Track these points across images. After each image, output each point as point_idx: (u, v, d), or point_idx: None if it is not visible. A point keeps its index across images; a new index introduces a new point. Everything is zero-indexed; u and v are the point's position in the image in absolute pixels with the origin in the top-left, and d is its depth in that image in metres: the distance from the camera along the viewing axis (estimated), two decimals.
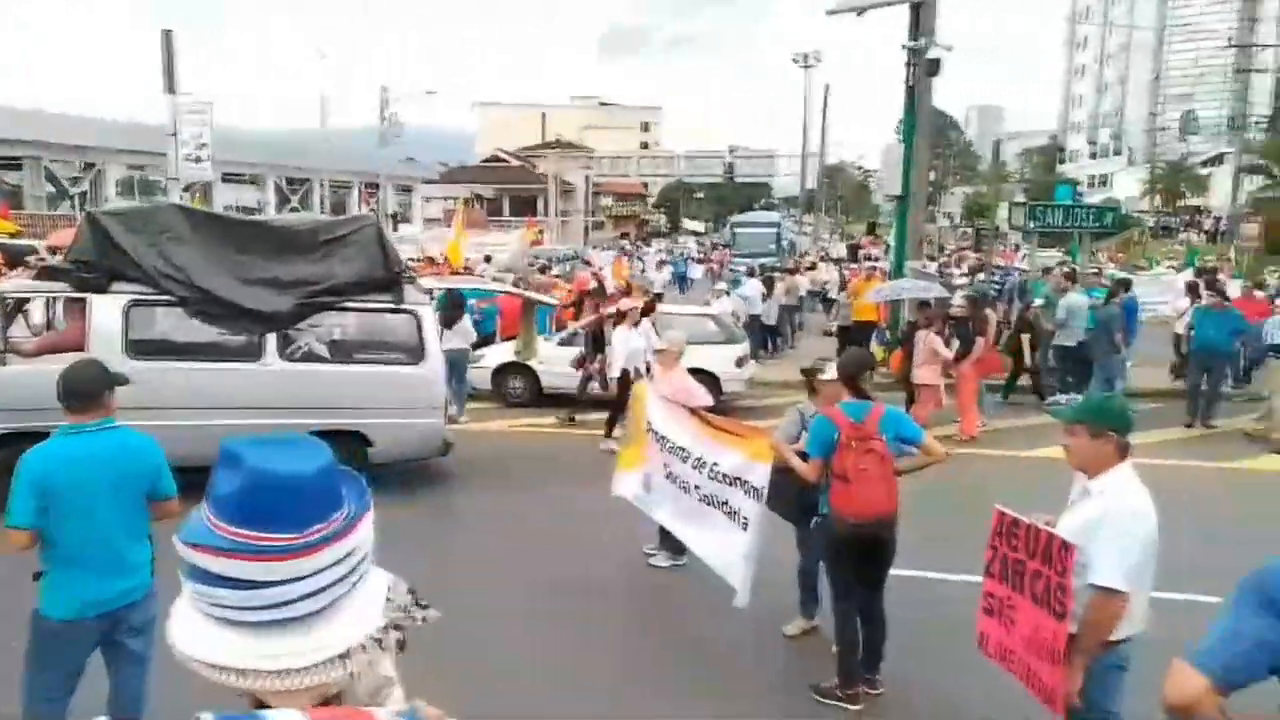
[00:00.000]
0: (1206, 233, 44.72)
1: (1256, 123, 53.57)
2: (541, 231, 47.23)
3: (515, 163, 65.55)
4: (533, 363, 12.56)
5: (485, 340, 14.63)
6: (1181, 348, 13.97)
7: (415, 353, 8.34)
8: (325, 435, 7.96)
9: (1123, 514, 3.19)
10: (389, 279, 8.21)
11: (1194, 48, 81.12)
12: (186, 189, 27.51)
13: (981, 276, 19.53)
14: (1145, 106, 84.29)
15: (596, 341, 11.90)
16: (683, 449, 5.83)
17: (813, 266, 27.26)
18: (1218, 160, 56.70)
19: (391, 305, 8.30)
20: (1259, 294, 17.19)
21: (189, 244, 8.01)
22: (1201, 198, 57.56)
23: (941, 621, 5.69)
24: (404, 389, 8.28)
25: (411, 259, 20.29)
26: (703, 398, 6.95)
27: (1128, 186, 69.55)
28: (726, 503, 5.38)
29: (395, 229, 35.72)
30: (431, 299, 9.35)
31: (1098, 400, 3.51)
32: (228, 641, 1.30)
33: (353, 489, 1.45)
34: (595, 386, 11.80)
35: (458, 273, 19.10)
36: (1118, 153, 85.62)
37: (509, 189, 62.53)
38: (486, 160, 67.97)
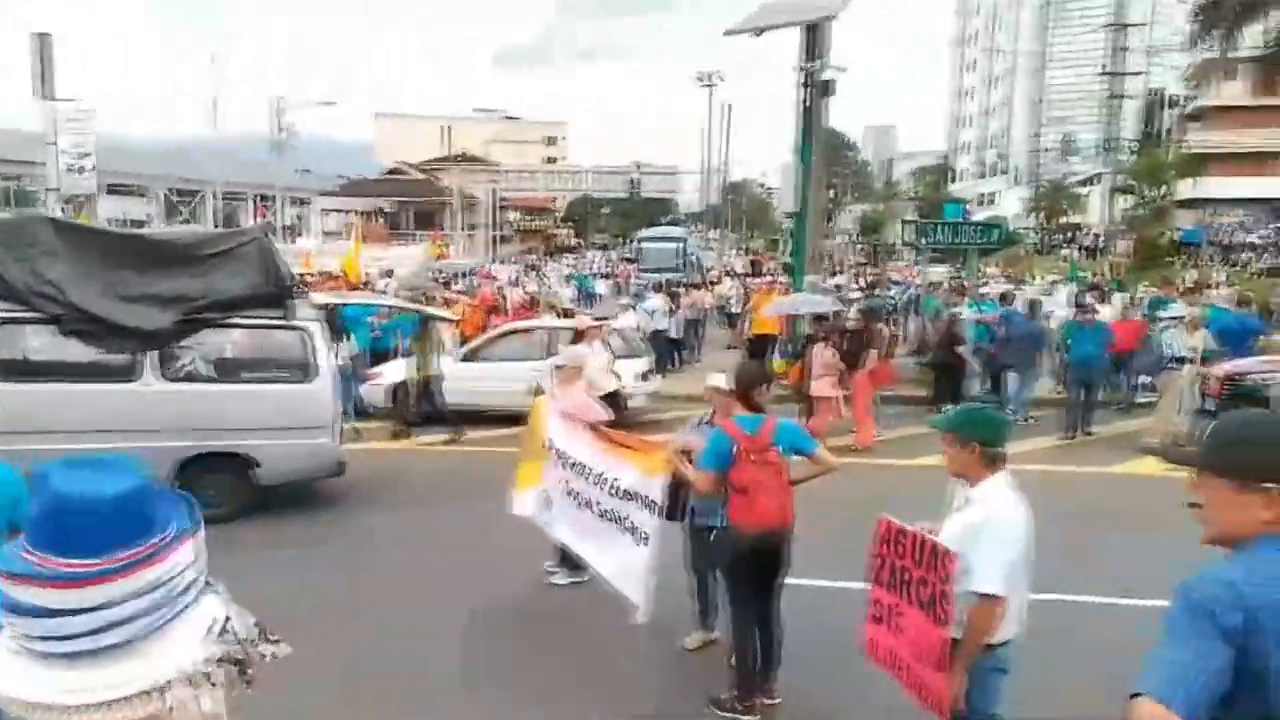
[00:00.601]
0: (1085, 249, 47.21)
1: (1127, 145, 57.03)
2: (446, 245, 46.65)
3: (418, 175, 64.59)
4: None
5: (384, 356, 14.31)
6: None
7: (304, 370, 8.08)
8: (210, 457, 7.76)
9: (998, 522, 3.29)
10: (277, 294, 7.94)
11: (1072, 74, 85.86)
12: (68, 201, 26.10)
13: (879, 291, 20.21)
14: (1028, 128, 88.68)
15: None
16: (582, 465, 5.79)
17: (716, 281, 27.70)
18: (1094, 180, 60.06)
19: (280, 321, 8.02)
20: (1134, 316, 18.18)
21: (62, 258, 7.61)
22: (1080, 215, 60.84)
23: (838, 629, 5.78)
24: (292, 407, 8.01)
25: (307, 274, 19.79)
26: (600, 414, 6.92)
27: (1013, 205, 72.97)
28: (626, 518, 5.36)
29: (293, 241, 34.71)
30: (329, 315, 9.11)
31: (966, 411, 3.62)
32: (36, 676, 1.22)
33: (176, 512, 1.38)
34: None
35: (356, 288, 18.66)
36: (1003, 172, 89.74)
37: (411, 202, 61.49)
38: (387, 173, 66.77)
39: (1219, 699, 1.77)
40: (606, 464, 5.56)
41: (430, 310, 13.36)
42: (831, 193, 68.10)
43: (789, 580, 5.00)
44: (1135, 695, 1.77)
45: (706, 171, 52.56)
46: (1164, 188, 50.05)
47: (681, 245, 43.33)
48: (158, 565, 1.29)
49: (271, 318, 8.03)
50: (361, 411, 12.92)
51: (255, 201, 45.06)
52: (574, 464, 5.83)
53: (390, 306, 14.62)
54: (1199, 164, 50.40)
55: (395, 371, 12.86)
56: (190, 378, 8.10)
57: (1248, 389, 10.93)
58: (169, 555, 1.31)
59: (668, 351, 17.83)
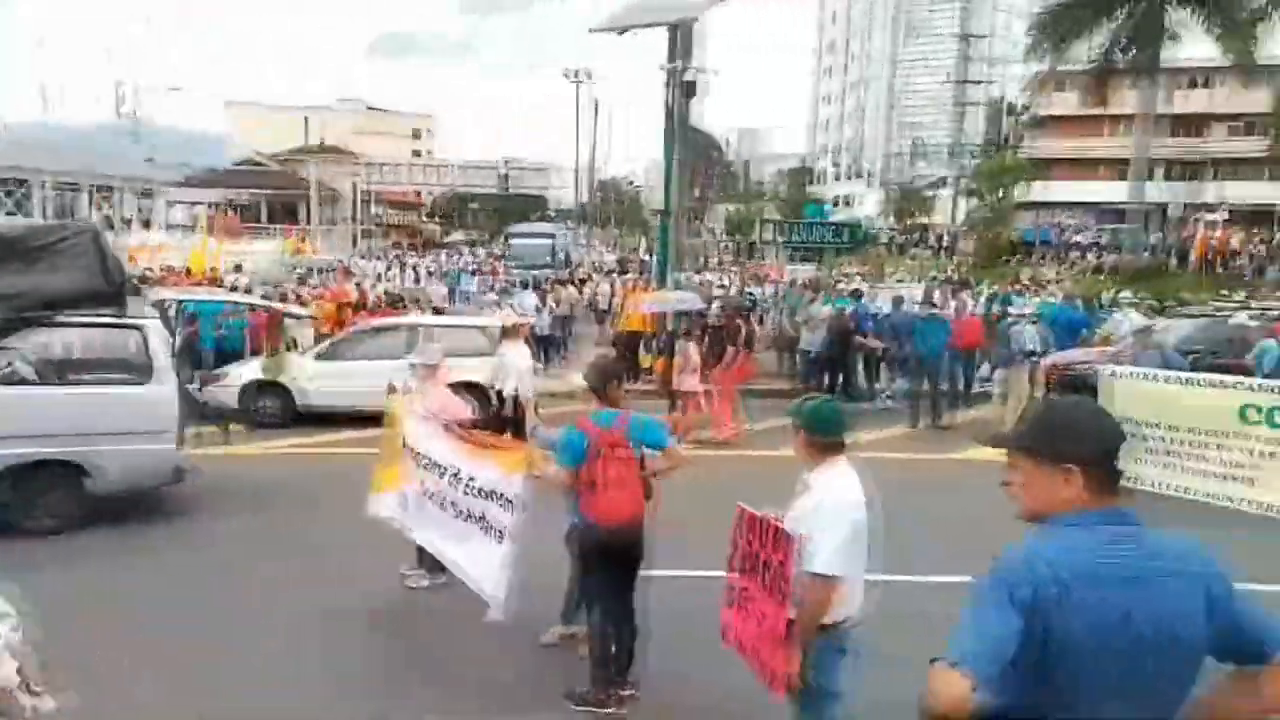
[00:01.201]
0: (934, 248, 49.81)
1: (972, 151, 60.47)
2: (304, 239, 44.87)
3: (275, 167, 61.73)
4: (285, 380, 11.84)
5: (232, 356, 13.66)
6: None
7: (141, 371, 7.60)
8: (38, 466, 7.21)
9: (832, 505, 3.44)
10: (109, 291, 7.44)
11: (923, 82, 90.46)
12: None
13: (750, 289, 20.72)
14: (882, 133, 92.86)
15: None
16: (440, 465, 5.69)
17: (586, 279, 27.73)
18: (942, 183, 63.44)
19: (114, 320, 7.52)
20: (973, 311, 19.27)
21: None
22: (929, 217, 64.15)
23: (694, 619, 5.90)
24: (127, 411, 7.52)
25: (147, 269, 18.64)
26: (463, 412, 6.83)
27: (870, 206, 76.26)
28: (483, 517, 5.31)
29: (133, 231, 32.54)
30: (169, 312, 8.61)
31: (808, 405, 3.74)
32: None
33: None
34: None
35: (201, 283, 17.71)
36: (860, 175, 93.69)
37: (268, 194, 58.72)
38: (242, 163, 63.53)
39: (1024, 667, 1.91)
40: (464, 463, 5.49)
41: (281, 307, 12.83)
42: (697, 191, 69.33)
43: (652, 572, 5.07)
44: (934, 660, 1.92)
45: (578, 169, 52.50)
46: (1004, 191, 53.41)
47: (552, 242, 43.21)
48: None
49: (104, 316, 7.52)
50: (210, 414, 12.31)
51: (93, 193, 42.02)
52: (430, 464, 5.74)
53: (239, 303, 13.94)
54: (1036, 169, 54.06)
55: (243, 372, 12.28)
56: (14, 380, 7.50)
57: (1074, 379, 11.81)
58: None
59: (538, 349, 17.74)
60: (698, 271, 27.37)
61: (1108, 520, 2.00)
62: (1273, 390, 8.76)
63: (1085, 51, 30.48)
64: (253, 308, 13.83)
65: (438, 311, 16.01)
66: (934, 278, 27.07)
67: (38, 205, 38.78)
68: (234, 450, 10.84)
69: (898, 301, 15.29)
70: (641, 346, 16.32)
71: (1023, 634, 1.90)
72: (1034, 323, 13.66)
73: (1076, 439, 2.06)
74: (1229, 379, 9.26)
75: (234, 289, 17.84)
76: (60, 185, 40.75)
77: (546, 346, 18.34)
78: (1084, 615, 1.90)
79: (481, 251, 57.28)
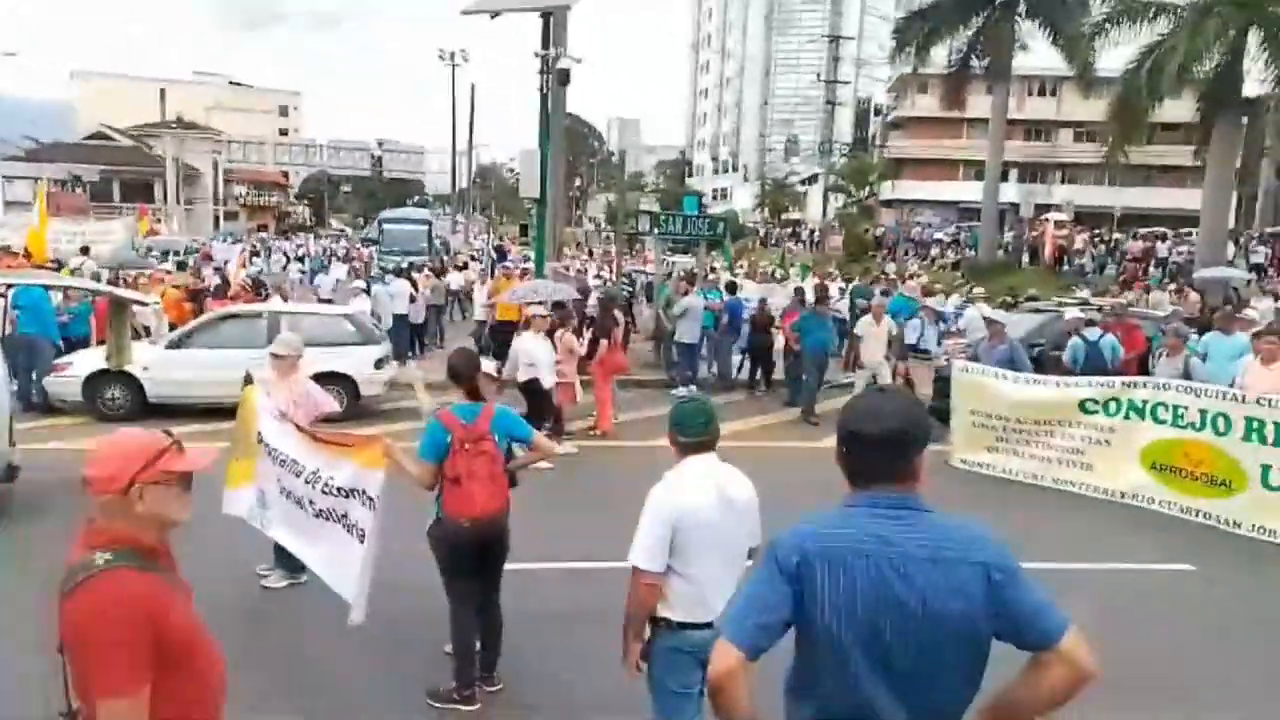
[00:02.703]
0: (803, 242, 51.41)
1: (839, 149, 62.72)
2: (159, 220, 42.31)
3: (126, 142, 57.96)
4: (135, 370, 11.15)
5: (78, 344, 12.76)
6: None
7: None
8: None
9: (653, 501, 3.42)
10: None
11: (795, 80, 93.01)
12: None
13: (625, 280, 20.84)
14: (757, 129, 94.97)
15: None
16: (295, 462, 5.47)
17: (464, 266, 27.23)
18: (813, 180, 65.53)
19: None
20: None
21: None
22: (801, 212, 66.17)
23: (559, 613, 5.93)
24: None
25: None
26: (328, 404, 6.59)
27: (744, 200, 77.97)
28: (345, 515, 5.12)
29: None
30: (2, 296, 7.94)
31: (677, 404, 3.73)
32: None
33: None
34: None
35: (43, 266, 16.46)
36: (735, 169, 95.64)
37: (119, 171, 55.05)
38: (89, 137, 59.34)
39: (783, 627, 2.11)
40: (319, 461, 5.29)
41: (122, 292, 12.05)
42: (579, 181, 69.19)
43: (519, 565, 5.04)
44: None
45: (455, 153, 51.43)
46: (869, 188, 55.62)
47: (428, 228, 42.19)
48: None
49: None
50: (49, 407, 11.48)
51: None
52: (285, 460, 5.50)
53: (80, 289, 13.01)
54: (898, 168, 56.52)
55: (87, 362, 11.50)
56: None
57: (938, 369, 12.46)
58: None
59: (409, 337, 17.33)
60: (559, 259, 27.34)
61: (874, 503, 2.13)
62: (1105, 385, 9.44)
63: (945, 56, 32.09)
64: (95, 293, 12.91)
65: (283, 300, 15.38)
66: (805, 273, 27.91)
67: None
68: (76, 445, 10.13)
69: (799, 294, 15.73)
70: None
71: (791, 599, 2.08)
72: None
73: (847, 426, 2.22)
74: (1070, 379, 9.93)
75: (74, 272, 16.65)
76: None
77: (417, 335, 17.95)
78: (843, 584, 2.04)
79: (350, 234, 55.47)
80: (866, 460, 2.17)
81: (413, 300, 17.65)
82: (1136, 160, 31.79)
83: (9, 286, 11.63)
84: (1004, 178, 36.01)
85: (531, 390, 10.20)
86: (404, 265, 24.25)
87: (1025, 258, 34.18)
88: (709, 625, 3.39)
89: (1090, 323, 11.41)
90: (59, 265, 17.89)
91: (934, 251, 40.56)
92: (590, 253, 43.73)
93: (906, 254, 40.87)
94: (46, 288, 12.44)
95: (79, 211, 36.23)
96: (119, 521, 2.25)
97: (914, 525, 2.10)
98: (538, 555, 5.22)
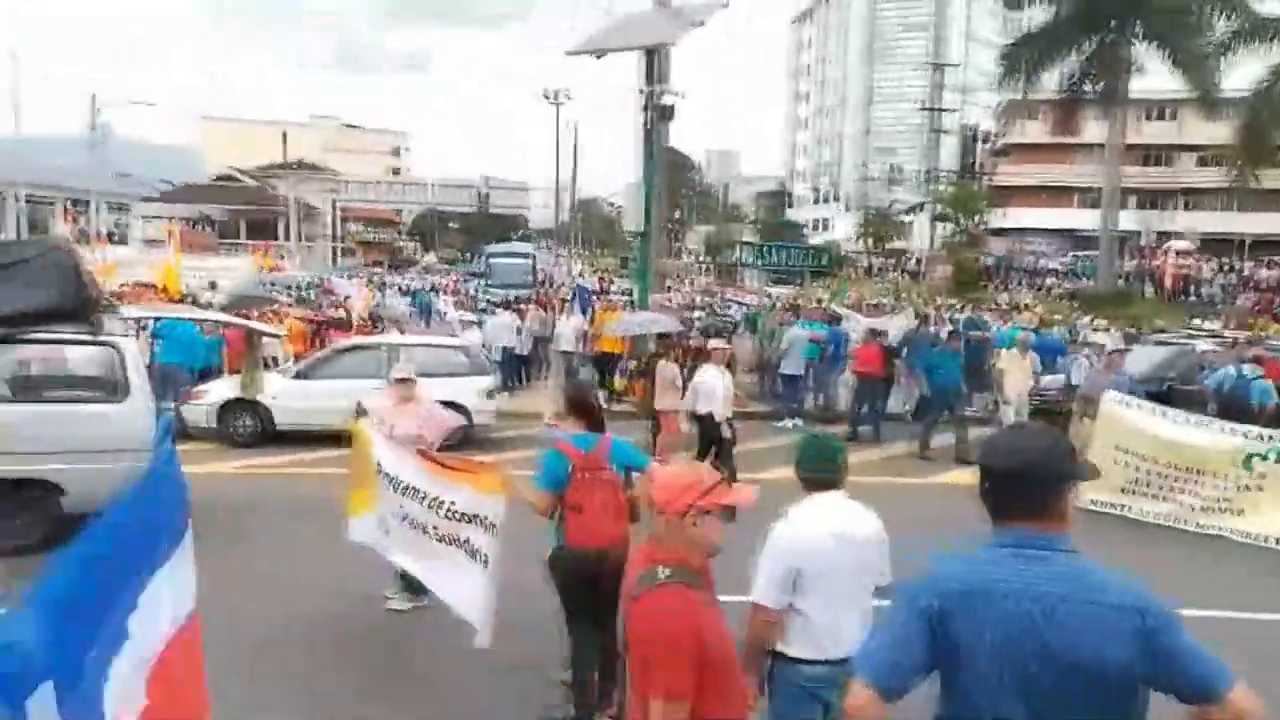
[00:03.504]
0: (909, 273, 50.37)
1: (945, 177, 61.35)
2: (281, 256, 44.60)
3: (251, 183, 61.48)
4: (262, 398, 11.75)
5: (210, 374, 13.54)
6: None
7: (116, 389, 7.53)
8: (11, 484, 7.10)
9: (773, 539, 3.40)
10: (82, 308, 7.37)
11: (896, 108, 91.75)
12: None
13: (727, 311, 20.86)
14: (857, 158, 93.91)
15: None
16: (416, 489, 5.64)
17: (569, 299, 27.72)
18: (917, 209, 64.27)
19: (88, 337, 7.46)
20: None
21: None
22: (905, 241, 64.89)
23: None
24: (102, 429, 7.43)
25: (122, 284, 18.45)
26: (453, 419, 6.77)
27: (845, 230, 76.97)
28: (467, 540, 5.24)
29: (107, 247, 32.10)
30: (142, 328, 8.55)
31: (802, 439, 3.71)
32: None
33: None
34: None
35: (177, 300, 17.56)
36: (836, 199, 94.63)
37: (244, 211, 58.42)
38: (217, 179, 63.20)
39: (923, 670, 2.08)
40: (439, 488, 5.44)
41: (257, 325, 12.74)
42: (677, 213, 69.71)
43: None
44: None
45: (557, 188, 52.63)
46: (977, 217, 54.17)
47: (531, 261, 43.24)
48: None
49: (77, 333, 7.46)
50: (183, 433, 12.17)
51: (66, 206, 41.57)
52: (405, 487, 5.68)
53: (214, 321, 13.83)
54: (1006, 195, 54.91)
55: (219, 390, 12.18)
56: None
57: (1045, 405, 11.99)
58: None
59: (515, 369, 17.72)
60: (667, 290, 27.52)
61: (1018, 543, 2.08)
62: (1272, 438, 8.76)
63: (1055, 81, 31.16)
64: (227, 325, 13.71)
65: (401, 331, 15.98)
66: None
67: (11, 219, 38.30)
68: (209, 468, 10.73)
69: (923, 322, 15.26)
70: (615, 370, 16.30)
71: (928, 640, 2.04)
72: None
73: (987, 462, 2.17)
74: (1235, 426, 9.16)
75: (209, 306, 17.72)
76: (33, 199, 40.31)
77: (524, 367, 18.33)
78: (985, 628, 2.00)
79: (456, 271, 57.22)
80: (1008, 497, 2.13)
81: (519, 332, 18.07)
82: (1269, 184, 30.04)
83: (157, 319, 12.46)
84: (1121, 205, 34.58)
85: (709, 423, 10.07)
86: (509, 298, 24.89)
87: (1146, 287, 32.68)
88: (827, 662, 3.34)
89: (1257, 360, 10.64)
90: (193, 299, 19.07)
91: (1047, 281, 39.18)
92: (690, 284, 43.94)
93: (1018, 284, 39.60)
94: (190, 321, 13.31)
95: (208, 249, 38.62)
96: (674, 541, 2.54)
97: (1059, 567, 2.04)
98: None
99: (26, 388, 7.86)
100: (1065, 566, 2.05)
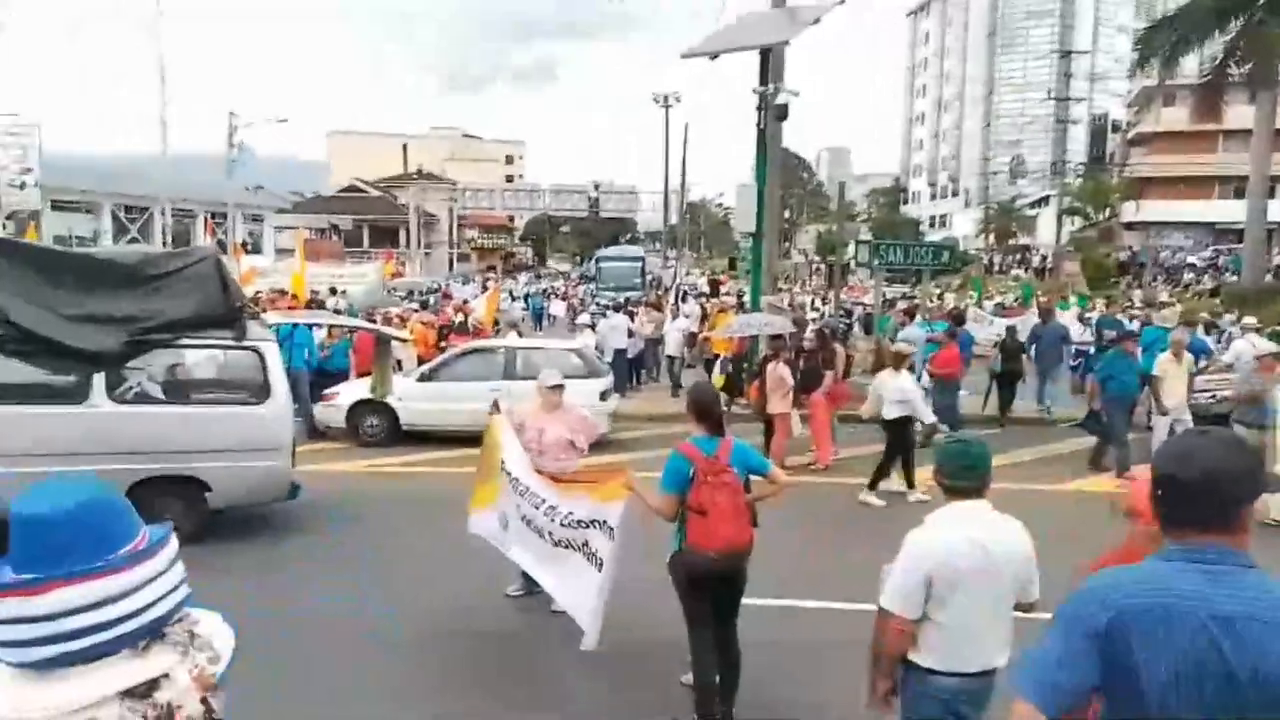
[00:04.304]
0: (1035, 269, 48.28)
1: (1073, 169, 58.52)
2: (403, 263, 46.26)
3: (374, 193, 64.08)
4: (390, 400, 12.19)
5: (339, 376, 14.14)
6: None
7: (259, 391, 7.95)
8: (161, 481, 7.59)
9: (907, 546, 3.30)
10: (228, 315, 7.82)
11: (1020, 99, 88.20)
12: (9, 217, 25.38)
13: (843, 312, 20.46)
14: (979, 151, 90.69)
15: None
16: (535, 494, 5.73)
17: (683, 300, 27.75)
18: (1043, 202, 61.56)
19: (232, 342, 7.90)
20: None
21: (4, 277, 7.40)
22: (1030, 236, 62.26)
23: (798, 648, 5.85)
24: (245, 429, 7.88)
25: (259, 291, 19.49)
26: (601, 425, 6.80)
27: (965, 226, 74.47)
28: (586, 544, 5.28)
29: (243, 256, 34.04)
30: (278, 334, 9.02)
31: (946, 444, 3.56)
32: None
33: (129, 533, 1.43)
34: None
35: (309, 305, 18.42)
36: (955, 194, 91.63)
37: (368, 220, 61.00)
38: (344, 190, 66.17)
39: (1089, 690, 1.96)
40: (557, 498, 5.51)
41: (387, 330, 13.23)
42: (788, 213, 68.88)
43: (751, 600, 5.02)
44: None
45: (666, 191, 52.81)
46: (1109, 210, 51.46)
47: (641, 264, 43.55)
48: (105, 579, 1.32)
49: (223, 338, 7.91)
50: (316, 432, 12.74)
51: (206, 218, 44.35)
52: (525, 490, 5.78)
53: (344, 326, 14.44)
54: (1142, 187, 51.95)
55: (351, 392, 12.71)
56: (140, 399, 7.95)
57: (1194, 409, 11.19)
58: (122, 572, 1.35)
59: (627, 371, 17.83)
60: (783, 291, 27.15)
61: (1194, 556, 1.94)
62: None
63: (1196, 65, 29.26)
64: (359, 330, 14.30)
65: (519, 335, 16.32)
66: (1028, 297, 26.18)
67: (158, 231, 41.09)
68: (341, 467, 11.21)
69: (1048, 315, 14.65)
70: (718, 369, 16.19)
71: (1095, 659, 1.92)
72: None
73: (1164, 469, 2.03)
74: None
75: (337, 311, 18.53)
76: (177, 212, 43.16)
77: (635, 369, 18.42)
78: (1160, 646, 1.87)
79: (573, 276, 58.22)
80: (1184, 508, 1.99)
81: (630, 335, 18.18)
82: None
83: (309, 327, 13.20)
84: (1270, 194, 32.19)
85: (899, 429, 9.83)
86: (621, 300, 25.11)
87: None
88: (962, 675, 3.26)
89: None
90: (321, 305, 19.97)
91: (1187, 277, 36.88)
92: (802, 284, 43.34)
93: (1155, 280, 37.42)
94: (322, 325, 13.97)
95: (335, 257, 40.40)
96: (1151, 550, 2.34)
97: (1240, 582, 1.90)
98: (761, 590, 5.18)
99: (177, 390, 8.39)
100: (1246, 581, 1.91)
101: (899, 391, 9.79)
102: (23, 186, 22.76)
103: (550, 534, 5.51)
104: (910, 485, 9.88)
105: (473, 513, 6.51)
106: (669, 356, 17.79)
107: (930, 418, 9.92)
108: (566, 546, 5.39)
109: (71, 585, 1.30)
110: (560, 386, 6.63)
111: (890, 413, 9.83)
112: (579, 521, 5.28)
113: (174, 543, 1.49)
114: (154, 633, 1.39)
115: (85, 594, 1.30)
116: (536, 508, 5.63)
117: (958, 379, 13.11)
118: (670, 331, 18.08)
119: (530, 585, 6.41)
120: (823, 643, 5.92)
